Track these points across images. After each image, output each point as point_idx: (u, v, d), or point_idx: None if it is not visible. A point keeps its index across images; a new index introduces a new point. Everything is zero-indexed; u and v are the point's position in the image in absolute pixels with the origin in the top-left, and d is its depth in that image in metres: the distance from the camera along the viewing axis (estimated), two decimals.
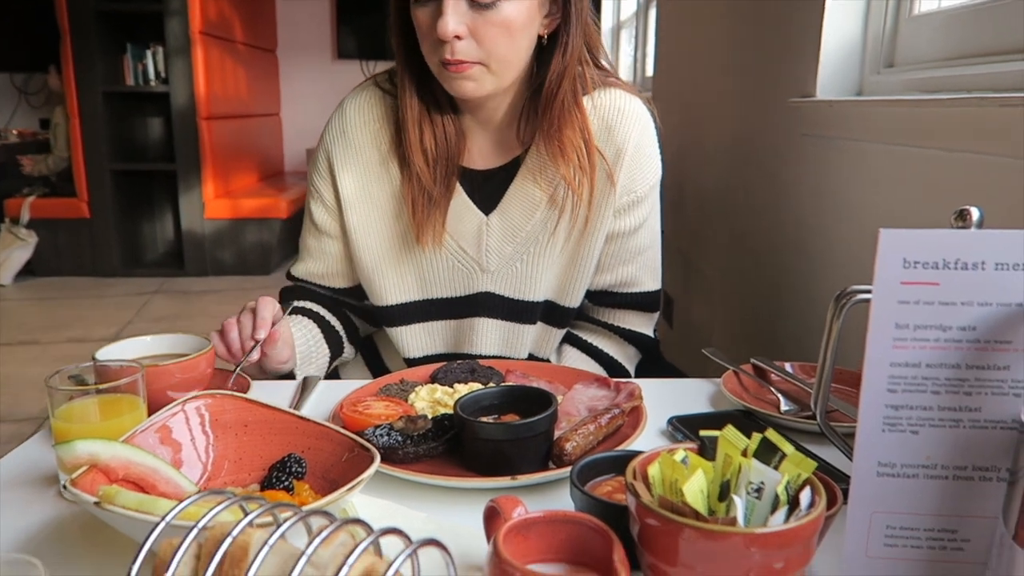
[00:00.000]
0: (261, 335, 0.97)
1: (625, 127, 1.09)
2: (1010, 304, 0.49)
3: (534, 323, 1.16)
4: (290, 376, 1.08)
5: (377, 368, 1.26)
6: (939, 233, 0.49)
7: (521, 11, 0.97)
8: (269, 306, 1.01)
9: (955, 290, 0.49)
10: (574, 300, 1.16)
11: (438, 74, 1.00)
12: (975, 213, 0.55)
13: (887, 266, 0.49)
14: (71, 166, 4.71)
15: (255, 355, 0.98)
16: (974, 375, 0.50)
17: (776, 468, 0.53)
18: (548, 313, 1.17)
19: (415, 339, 1.18)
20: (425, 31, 0.97)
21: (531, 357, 1.19)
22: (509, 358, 1.16)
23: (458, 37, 0.94)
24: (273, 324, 1.00)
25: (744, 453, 0.53)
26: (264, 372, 1.05)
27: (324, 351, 1.14)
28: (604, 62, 1.12)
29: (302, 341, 1.10)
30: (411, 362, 1.19)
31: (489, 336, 1.16)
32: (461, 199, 1.10)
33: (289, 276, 1.22)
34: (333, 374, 1.25)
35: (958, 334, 0.50)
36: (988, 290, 0.49)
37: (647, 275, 1.18)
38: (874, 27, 1.32)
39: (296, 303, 1.17)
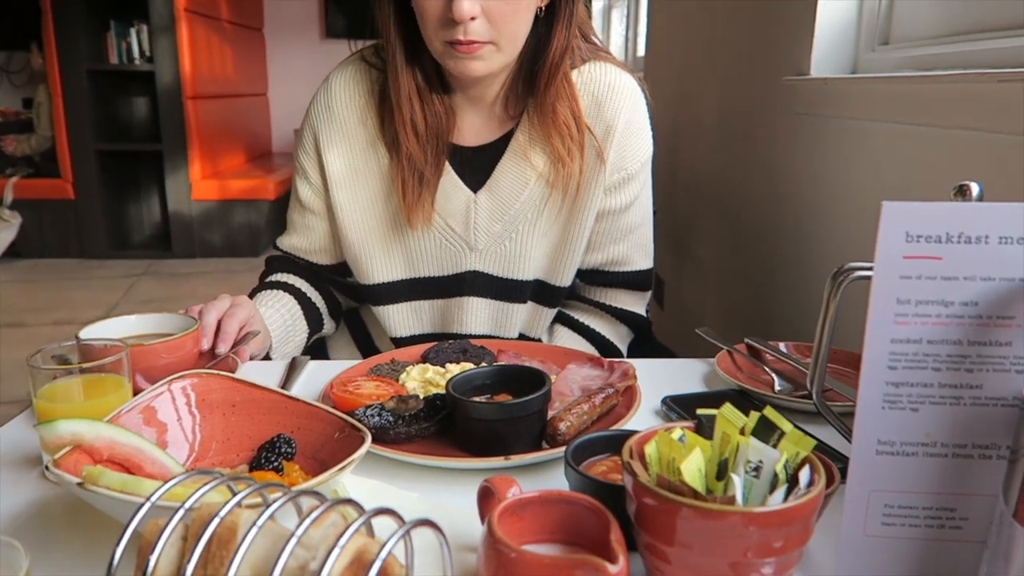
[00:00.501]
0: (221, 350, 0.94)
1: (615, 103, 1.07)
2: (1013, 279, 0.48)
3: (524, 302, 1.15)
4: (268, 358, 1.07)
5: (365, 345, 1.25)
6: (943, 206, 0.48)
7: None
8: (236, 318, 0.98)
9: (958, 264, 0.48)
10: (564, 279, 1.14)
11: (442, 54, 0.97)
12: (975, 188, 0.55)
13: (889, 240, 0.48)
14: (55, 146, 4.65)
15: (222, 352, 0.96)
16: (976, 351, 0.50)
17: (774, 446, 0.52)
18: (538, 292, 1.15)
19: (402, 318, 1.16)
20: (432, 13, 0.94)
21: (522, 337, 1.18)
22: (498, 337, 1.15)
23: (472, 18, 0.92)
24: (242, 331, 0.98)
25: (742, 431, 0.53)
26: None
27: (303, 328, 1.14)
28: (592, 36, 1.11)
29: (279, 323, 1.09)
30: (397, 341, 1.17)
31: (478, 315, 1.14)
32: (449, 177, 1.08)
33: (275, 246, 1.22)
34: (322, 353, 1.24)
35: (960, 309, 0.49)
36: (991, 264, 0.48)
37: (639, 254, 1.17)
38: (869, 4, 1.31)
39: (277, 276, 1.17)
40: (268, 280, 1.18)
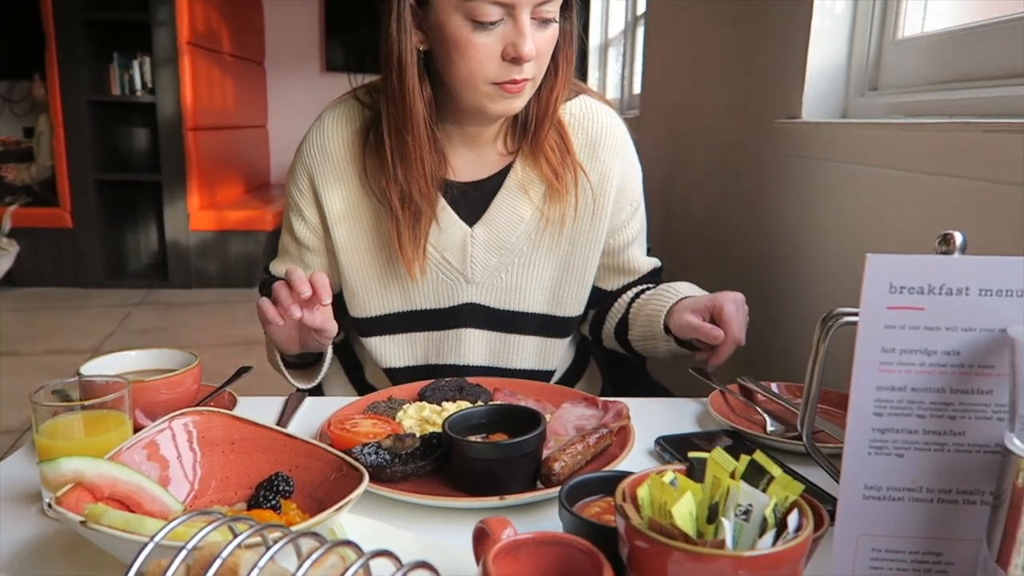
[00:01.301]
0: (327, 300, 0.92)
1: (610, 147, 1.12)
2: (993, 329, 0.50)
3: (527, 334, 1.16)
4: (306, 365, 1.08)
5: (358, 380, 1.25)
6: (925, 259, 0.50)
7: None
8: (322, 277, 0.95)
9: (940, 315, 0.50)
10: (572, 309, 1.16)
11: (485, 95, 0.97)
12: (958, 238, 0.56)
13: (873, 290, 0.50)
14: (55, 175, 4.68)
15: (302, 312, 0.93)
16: (958, 399, 0.51)
17: (764, 490, 0.53)
18: (545, 325, 1.17)
19: (396, 349, 1.17)
20: (486, 54, 0.94)
21: (534, 371, 1.18)
22: (499, 368, 1.16)
23: (534, 56, 0.95)
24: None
25: (732, 475, 0.54)
26: (305, 345, 1.03)
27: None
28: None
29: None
30: (391, 372, 1.18)
31: (475, 346, 1.15)
32: (445, 212, 1.10)
33: (267, 271, 1.20)
34: (317, 390, 1.25)
35: (943, 358, 0.51)
36: (972, 315, 0.50)
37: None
38: (859, 50, 1.34)
39: None
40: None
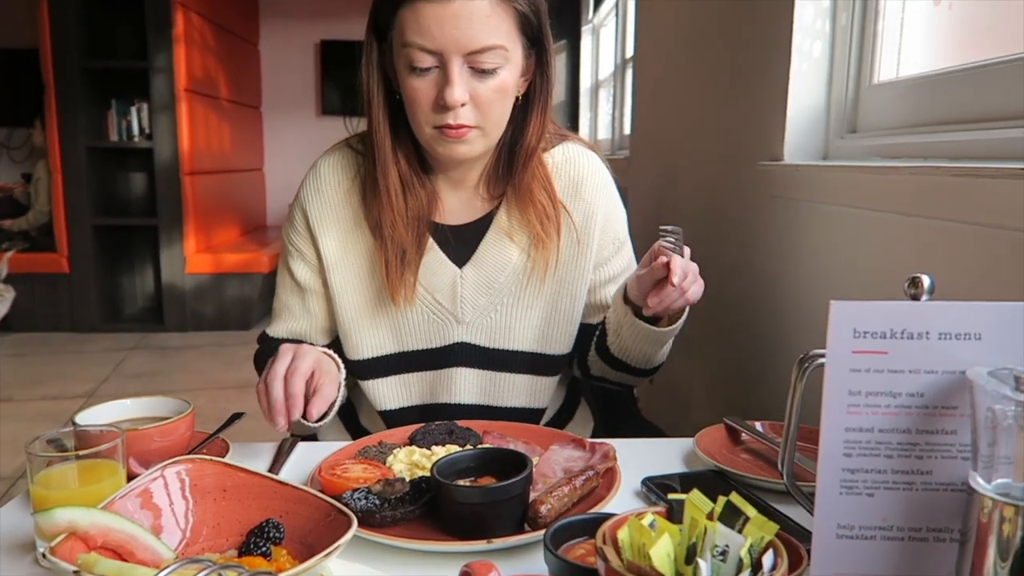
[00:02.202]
0: (295, 415, 0.91)
1: (593, 185, 1.16)
2: (954, 371, 0.52)
3: (518, 372, 1.18)
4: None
5: (352, 422, 1.26)
6: (886, 305, 0.52)
7: (513, 76, 1.02)
8: (299, 372, 0.93)
9: (903, 358, 0.52)
10: (560, 348, 1.18)
11: (431, 138, 1.03)
12: (926, 281, 0.59)
13: (838, 336, 0.52)
14: (52, 220, 4.71)
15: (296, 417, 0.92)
16: (924, 439, 0.53)
17: (740, 531, 0.54)
18: (535, 363, 1.18)
19: (390, 391, 1.18)
20: (422, 99, 0.99)
21: (525, 409, 1.19)
22: (491, 407, 1.17)
23: (462, 104, 0.98)
24: (312, 385, 0.95)
25: (710, 516, 0.55)
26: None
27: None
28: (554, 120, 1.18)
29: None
30: (386, 414, 1.19)
31: (467, 385, 1.17)
32: (434, 254, 1.13)
33: (264, 338, 1.19)
34: (311, 435, 1.26)
35: (907, 400, 0.53)
36: (933, 358, 0.52)
37: None
38: (837, 94, 1.39)
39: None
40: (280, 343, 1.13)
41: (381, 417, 1.20)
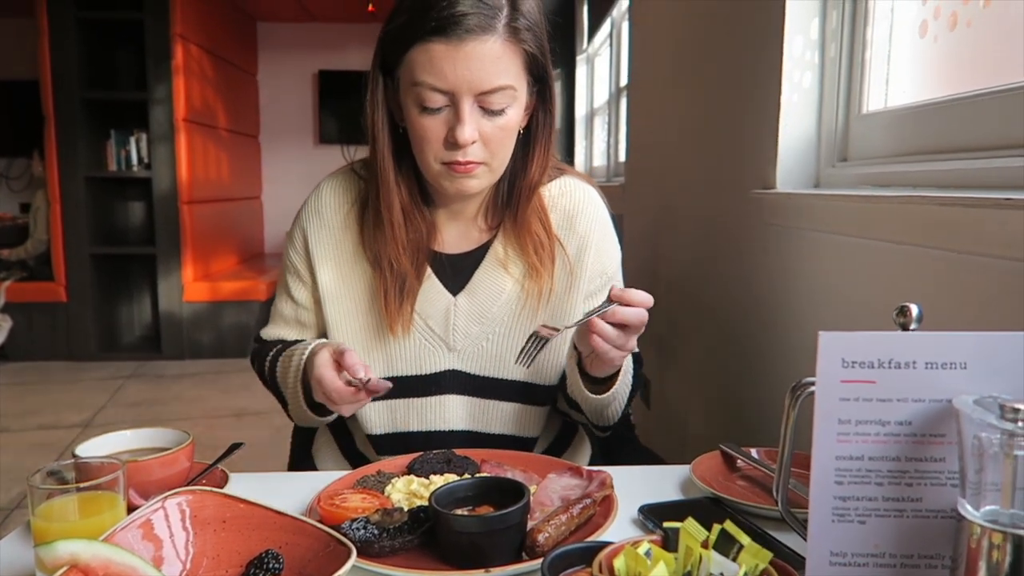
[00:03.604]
0: (361, 374, 0.96)
1: (587, 217, 1.17)
2: (941, 400, 0.53)
3: (508, 401, 1.18)
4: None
5: (349, 449, 1.26)
6: (873, 335, 0.53)
7: (519, 113, 1.04)
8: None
9: (891, 387, 0.53)
10: (549, 379, 1.19)
11: (438, 174, 1.04)
12: (914, 310, 0.60)
13: (828, 365, 0.54)
14: (50, 250, 4.73)
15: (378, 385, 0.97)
16: (913, 467, 0.54)
17: (734, 559, 0.55)
18: (525, 392, 1.19)
19: (378, 417, 1.18)
20: (431, 137, 1.01)
21: (514, 437, 1.19)
22: (481, 433, 1.18)
23: (473, 142, 1.00)
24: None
25: (705, 544, 0.56)
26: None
27: None
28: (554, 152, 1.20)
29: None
30: (374, 439, 1.19)
31: (456, 412, 1.17)
32: (431, 282, 1.14)
33: (259, 340, 1.23)
34: (309, 464, 1.26)
35: (896, 428, 0.54)
36: (921, 387, 0.53)
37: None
38: (827, 123, 1.41)
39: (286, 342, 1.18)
40: (279, 345, 1.18)
41: (370, 442, 1.20)
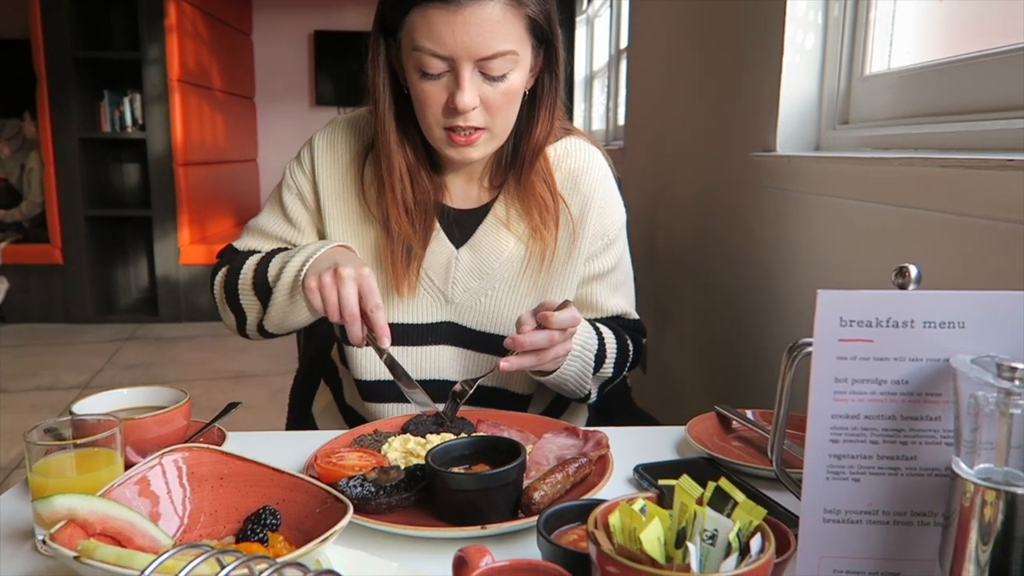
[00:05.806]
0: (385, 344, 0.97)
1: (591, 178, 1.15)
2: (938, 359, 0.53)
3: (503, 356, 1.18)
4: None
5: (347, 411, 1.27)
6: (872, 294, 0.53)
7: (522, 77, 1.02)
8: (374, 293, 0.98)
9: (888, 346, 0.53)
10: None
11: (439, 140, 1.03)
12: (913, 270, 0.60)
13: (825, 324, 0.53)
14: (45, 212, 4.70)
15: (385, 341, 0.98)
16: (909, 425, 0.54)
17: (729, 516, 0.55)
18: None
19: (370, 361, 1.17)
20: (432, 102, 1.00)
21: (506, 392, 1.19)
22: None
23: (473, 108, 0.98)
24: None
25: (699, 501, 0.56)
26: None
27: None
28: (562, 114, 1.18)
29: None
30: (363, 385, 1.18)
31: (449, 362, 1.17)
32: (437, 233, 1.13)
33: (231, 251, 1.19)
34: (310, 423, 1.27)
35: (892, 387, 0.54)
36: (918, 346, 0.53)
37: (630, 307, 1.24)
38: (829, 85, 1.39)
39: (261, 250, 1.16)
40: (255, 254, 1.15)
41: (357, 387, 1.19)
